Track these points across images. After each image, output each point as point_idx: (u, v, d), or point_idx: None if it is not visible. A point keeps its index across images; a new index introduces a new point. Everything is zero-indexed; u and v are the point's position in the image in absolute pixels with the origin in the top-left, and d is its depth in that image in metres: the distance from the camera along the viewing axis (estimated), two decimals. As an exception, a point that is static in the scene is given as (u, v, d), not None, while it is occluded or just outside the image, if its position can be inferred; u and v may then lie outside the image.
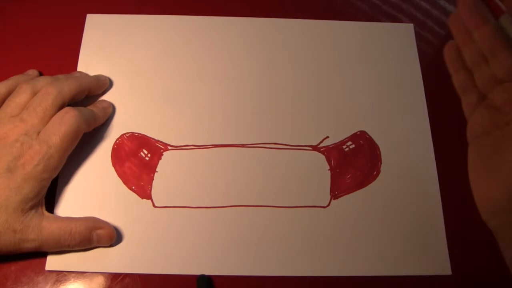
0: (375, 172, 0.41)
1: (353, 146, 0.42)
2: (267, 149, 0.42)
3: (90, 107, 0.41)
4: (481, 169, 0.33)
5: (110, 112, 0.42)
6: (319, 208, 0.40)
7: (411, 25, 0.48)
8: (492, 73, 0.33)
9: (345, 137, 0.43)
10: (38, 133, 0.36)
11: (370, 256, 0.38)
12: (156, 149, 0.42)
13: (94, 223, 0.37)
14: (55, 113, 0.38)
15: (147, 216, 0.39)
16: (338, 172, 0.41)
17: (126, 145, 0.42)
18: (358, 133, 0.43)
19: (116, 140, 0.42)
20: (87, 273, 0.37)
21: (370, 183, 0.41)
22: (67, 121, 0.37)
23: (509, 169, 0.31)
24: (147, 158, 0.41)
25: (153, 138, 0.42)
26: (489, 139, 0.33)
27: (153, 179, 0.40)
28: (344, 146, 0.42)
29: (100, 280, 0.37)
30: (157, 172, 0.41)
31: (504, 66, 0.32)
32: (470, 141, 0.34)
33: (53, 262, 0.37)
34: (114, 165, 0.41)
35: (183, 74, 0.45)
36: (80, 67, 0.44)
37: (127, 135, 0.42)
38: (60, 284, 0.37)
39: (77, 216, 0.37)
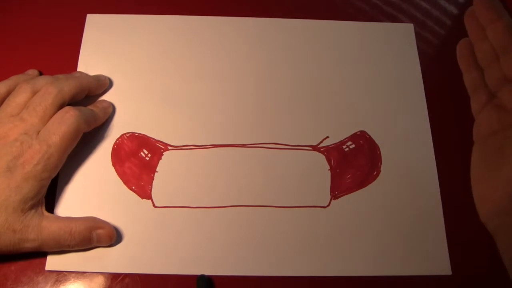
0: (375, 172, 0.41)
1: (353, 146, 0.42)
2: (267, 149, 0.42)
3: (90, 107, 0.41)
4: (483, 169, 0.33)
5: (110, 112, 0.42)
6: (319, 208, 0.40)
7: (411, 25, 0.48)
8: (502, 72, 0.32)
9: (345, 137, 0.43)
10: (38, 132, 0.36)
11: (370, 256, 0.38)
12: (156, 149, 0.42)
13: (94, 223, 0.37)
14: (55, 112, 0.38)
15: (147, 216, 0.39)
16: (338, 172, 0.41)
17: (126, 145, 0.42)
18: (358, 133, 0.43)
19: (116, 140, 0.42)
20: (87, 273, 0.37)
21: (370, 183, 0.41)
22: (67, 120, 0.37)
23: (510, 171, 0.30)
24: (147, 158, 0.41)
25: (153, 138, 0.42)
26: (494, 140, 0.32)
27: (153, 179, 0.40)
28: (344, 146, 0.42)
29: (100, 280, 0.37)
30: (157, 172, 0.41)
31: None
32: (475, 140, 0.34)
33: (53, 262, 0.37)
34: (114, 165, 0.41)
35: (183, 74, 0.45)
36: (80, 67, 0.44)
37: (127, 135, 0.42)
38: (60, 284, 0.37)
39: (77, 216, 0.37)
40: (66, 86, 0.39)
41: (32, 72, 0.43)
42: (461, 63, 0.35)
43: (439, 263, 0.38)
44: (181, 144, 0.42)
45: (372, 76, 0.45)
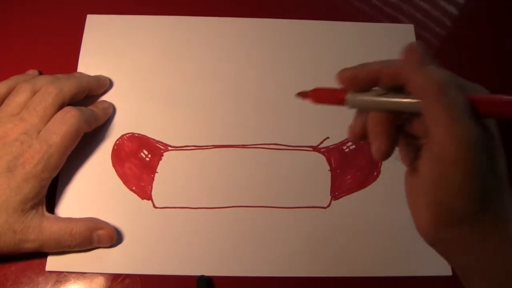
0: (375, 173, 0.42)
1: (353, 146, 0.42)
2: (268, 149, 0.42)
3: (90, 107, 0.41)
4: (411, 198, 0.31)
5: (110, 112, 0.42)
6: (320, 209, 0.40)
7: (411, 26, 0.48)
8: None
9: (345, 137, 0.43)
10: (38, 132, 0.36)
11: (370, 256, 0.38)
12: (157, 149, 0.42)
13: (94, 224, 0.37)
14: (55, 112, 0.38)
15: (147, 216, 0.39)
16: (339, 172, 0.41)
17: (126, 146, 0.42)
18: (358, 133, 0.43)
19: (116, 140, 0.42)
20: (87, 274, 0.37)
21: (370, 184, 0.41)
22: (68, 120, 0.37)
23: (424, 191, 0.27)
24: (147, 159, 0.41)
25: (153, 139, 0.42)
26: (412, 168, 0.31)
27: (153, 179, 0.40)
28: (345, 147, 0.42)
29: (100, 281, 0.37)
30: (157, 172, 0.41)
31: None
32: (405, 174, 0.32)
33: (53, 263, 0.37)
34: (114, 165, 0.41)
35: (183, 75, 0.45)
36: (81, 68, 0.44)
37: (127, 135, 0.42)
38: (61, 284, 0.37)
39: (77, 217, 0.37)
40: (66, 86, 0.39)
41: (32, 72, 0.43)
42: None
43: (439, 263, 0.38)
44: (181, 145, 0.42)
45: (372, 76, 0.45)
